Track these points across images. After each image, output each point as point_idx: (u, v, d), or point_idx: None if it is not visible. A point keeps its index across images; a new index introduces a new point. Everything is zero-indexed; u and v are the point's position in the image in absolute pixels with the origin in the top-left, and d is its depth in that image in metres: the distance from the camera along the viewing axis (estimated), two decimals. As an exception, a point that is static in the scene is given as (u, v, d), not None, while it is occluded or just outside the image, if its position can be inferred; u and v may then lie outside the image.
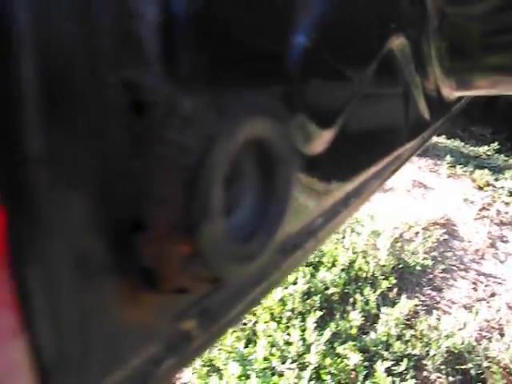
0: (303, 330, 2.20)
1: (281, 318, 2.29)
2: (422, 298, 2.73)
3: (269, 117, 0.24)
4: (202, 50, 0.22)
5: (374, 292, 2.55)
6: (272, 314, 2.31)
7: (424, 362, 2.31)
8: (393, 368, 2.18)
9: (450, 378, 2.27)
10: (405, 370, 2.19)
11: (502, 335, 2.53)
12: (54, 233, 0.19)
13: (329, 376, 2.02)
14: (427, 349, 2.34)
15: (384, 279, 2.66)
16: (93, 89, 0.19)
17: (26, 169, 0.17)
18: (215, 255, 0.23)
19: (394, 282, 2.68)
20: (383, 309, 2.46)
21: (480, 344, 2.45)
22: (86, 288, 0.21)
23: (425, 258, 2.94)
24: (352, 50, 0.36)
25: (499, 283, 2.95)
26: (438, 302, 2.74)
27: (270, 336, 2.14)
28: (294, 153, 0.28)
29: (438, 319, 2.54)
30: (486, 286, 2.93)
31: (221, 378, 1.88)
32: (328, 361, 2.08)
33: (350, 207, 0.51)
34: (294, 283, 2.42)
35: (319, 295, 2.43)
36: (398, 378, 2.15)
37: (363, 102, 0.40)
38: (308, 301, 2.39)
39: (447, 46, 0.59)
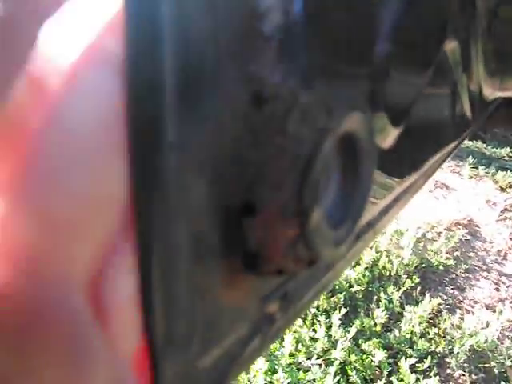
0: (328, 327, 2.21)
1: (306, 315, 2.30)
2: (445, 297, 2.73)
3: (360, 112, 0.26)
4: (316, 51, 0.24)
5: (398, 290, 2.56)
6: (297, 310, 2.32)
7: (447, 359, 2.31)
8: (417, 365, 2.19)
9: (473, 376, 2.27)
10: (428, 367, 2.20)
11: (525, 335, 2.54)
12: (179, 216, 0.20)
13: (354, 372, 2.04)
14: (450, 347, 2.34)
15: (407, 278, 2.67)
16: (220, 82, 0.20)
17: (162, 155, 0.19)
18: (318, 238, 0.25)
19: (417, 281, 2.68)
20: (407, 307, 2.47)
21: (503, 343, 2.46)
22: (197, 269, 0.22)
23: (447, 258, 2.94)
24: (418, 54, 0.38)
25: (522, 284, 2.95)
26: (461, 302, 2.74)
27: (295, 332, 2.16)
28: (375, 147, 0.30)
29: (461, 318, 2.54)
30: (507, 286, 2.93)
31: (248, 373, 1.90)
32: (353, 357, 2.09)
33: (400, 201, 0.53)
34: (319, 281, 2.43)
35: (344, 293, 2.44)
36: (422, 375, 2.16)
37: (419, 101, 0.42)
38: (333, 298, 2.40)
39: (495, 48, 0.61)
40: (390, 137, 0.36)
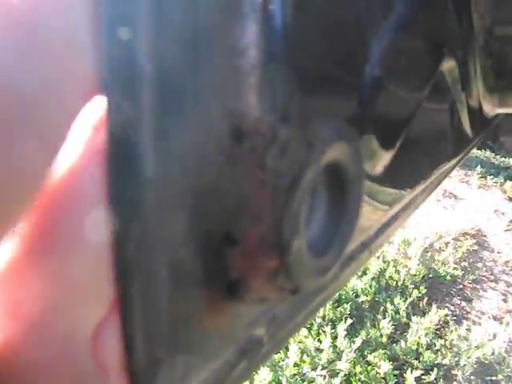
0: (334, 338, 2.21)
1: (312, 325, 2.30)
2: (452, 308, 2.73)
3: (346, 141, 0.27)
4: (297, 84, 0.24)
5: (405, 301, 2.55)
6: (303, 320, 2.31)
7: (454, 372, 2.30)
8: (423, 377, 2.18)
9: (480, 389, 2.27)
10: (434, 379, 2.20)
11: (532, 347, 2.52)
12: (158, 246, 0.21)
13: (359, 383, 2.04)
14: (457, 359, 2.34)
15: (414, 288, 2.66)
16: (200, 117, 0.21)
17: (139, 190, 0.19)
18: (299, 269, 0.25)
19: (424, 291, 2.67)
20: (413, 318, 2.46)
21: (510, 356, 2.44)
22: (178, 296, 0.22)
23: (455, 269, 2.93)
24: (411, 77, 0.38)
25: (530, 295, 2.94)
26: (468, 313, 2.73)
27: (300, 342, 2.16)
28: (363, 174, 0.30)
29: (468, 330, 2.53)
30: (516, 297, 2.92)
31: None
32: (358, 368, 2.09)
33: (399, 220, 0.53)
34: (325, 291, 2.43)
35: (350, 303, 2.44)
36: (428, 388, 2.16)
37: (416, 121, 0.42)
38: (339, 308, 2.40)
39: (492, 65, 0.61)
40: (381, 162, 0.36)
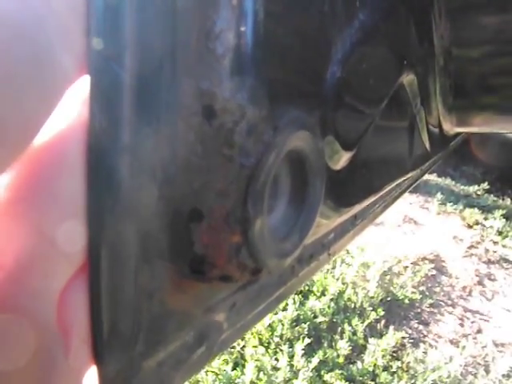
0: (291, 357, 2.21)
1: (269, 343, 2.30)
2: (409, 331, 2.75)
3: (309, 132, 0.28)
4: (265, 70, 0.26)
5: (362, 323, 2.57)
6: (260, 339, 2.32)
7: (409, 393, 2.32)
8: (378, 398, 2.20)
9: (435, 412, 2.29)
10: (390, 400, 2.21)
11: (487, 372, 2.55)
12: (129, 216, 0.22)
13: (315, 403, 2.04)
14: (413, 381, 2.35)
15: (372, 311, 2.68)
16: (175, 95, 0.22)
17: (116, 156, 0.20)
18: (261, 246, 0.26)
19: (382, 313, 2.69)
20: (371, 340, 2.47)
21: (466, 379, 2.47)
22: (144, 270, 0.23)
23: (413, 292, 2.97)
24: (373, 83, 0.40)
25: (485, 320, 2.97)
26: (425, 336, 2.76)
27: (257, 360, 2.15)
28: (324, 167, 0.32)
29: (425, 352, 2.56)
30: (472, 322, 2.95)
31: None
32: (315, 388, 2.10)
33: (357, 227, 0.55)
34: (284, 310, 2.44)
35: (308, 323, 2.44)
36: (383, 409, 2.17)
37: (375, 130, 0.44)
38: (297, 328, 2.40)
39: (451, 85, 0.63)
40: (342, 159, 0.38)
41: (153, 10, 0.21)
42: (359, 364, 2.33)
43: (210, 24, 0.23)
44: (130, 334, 0.24)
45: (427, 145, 0.66)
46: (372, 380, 2.28)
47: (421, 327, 2.82)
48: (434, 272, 3.28)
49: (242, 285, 0.33)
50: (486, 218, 3.96)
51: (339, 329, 2.51)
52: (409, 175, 0.64)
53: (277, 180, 0.29)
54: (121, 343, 0.23)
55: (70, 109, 0.20)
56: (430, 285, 3.16)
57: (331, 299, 2.65)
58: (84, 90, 0.20)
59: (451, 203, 4.08)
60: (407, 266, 3.18)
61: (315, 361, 2.20)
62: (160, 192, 0.23)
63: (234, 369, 2.10)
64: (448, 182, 4.48)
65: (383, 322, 2.67)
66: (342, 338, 2.44)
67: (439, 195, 4.11)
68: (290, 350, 2.24)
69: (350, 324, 2.54)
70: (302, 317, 2.47)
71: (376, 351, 2.40)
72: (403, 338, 2.64)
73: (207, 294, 0.30)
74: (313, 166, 0.29)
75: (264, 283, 0.37)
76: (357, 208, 0.49)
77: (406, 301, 2.89)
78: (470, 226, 3.89)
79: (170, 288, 0.26)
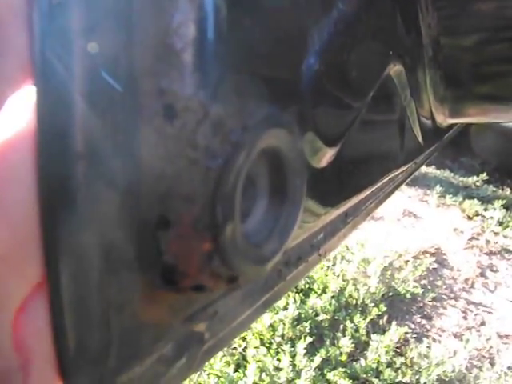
0: (293, 356, 2.20)
1: (271, 343, 2.29)
2: (412, 326, 2.74)
3: (284, 129, 0.26)
4: (231, 64, 0.24)
5: (364, 319, 2.56)
6: (262, 339, 2.31)
7: (414, 389, 2.31)
8: (383, 395, 2.19)
9: (440, 407, 2.28)
10: (395, 397, 2.20)
11: (492, 364, 2.54)
12: (88, 226, 0.20)
13: (319, 402, 2.03)
14: (417, 376, 2.34)
15: (374, 307, 2.67)
16: (133, 94, 0.21)
17: (69, 163, 0.19)
18: (234, 254, 0.24)
19: (384, 309, 2.68)
20: (373, 336, 2.46)
21: (471, 373, 2.46)
22: (111, 282, 0.22)
23: (415, 287, 2.95)
24: (357, 75, 0.38)
25: (489, 312, 2.96)
26: (428, 330, 2.75)
27: (259, 361, 2.14)
28: (304, 165, 0.30)
29: (429, 347, 2.54)
30: (475, 314, 2.94)
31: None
32: (318, 387, 2.08)
33: (348, 225, 0.53)
34: (285, 309, 2.43)
35: (309, 321, 2.43)
36: (388, 406, 2.16)
37: (362, 124, 0.42)
38: (298, 327, 2.39)
39: (441, 75, 0.62)
40: (326, 156, 0.36)
41: (104, 6, 0.19)
42: (362, 361, 2.31)
43: (167, 17, 0.21)
44: (99, 350, 0.22)
45: (420, 137, 0.65)
46: (376, 377, 2.27)
47: (424, 322, 2.81)
48: (435, 265, 3.27)
49: (223, 292, 0.32)
50: (485, 209, 3.95)
51: (341, 326, 2.50)
52: (402, 169, 0.62)
53: (254, 181, 0.27)
54: (89, 359, 0.22)
55: (16, 116, 0.19)
56: (431, 278, 3.15)
57: (332, 296, 2.64)
58: (30, 96, 0.19)
59: (450, 195, 4.07)
60: (408, 260, 3.17)
61: (318, 359, 2.19)
62: (122, 200, 0.21)
63: (236, 370, 2.09)
64: (446, 173, 4.48)
65: (385, 317, 2.66)
66: (344, 336, 2.43)
67: (438, 187, 4.11)
68: (292, 349, 2.23)
69: (352, 321, 2.53)
70: (303, 315, 2.46)
71: (379, 347, 2.39)
72: (406, 333, 2.63)
73: (184, 303, 0.29)
74: (291, 166, 0.28)
75: (248, 289, 0.35)
76: (346, 206, 0.47)
77: (408, 295, 2.88)
78: (470, 218, 3.88)
79: (143, 299, 0.25)
